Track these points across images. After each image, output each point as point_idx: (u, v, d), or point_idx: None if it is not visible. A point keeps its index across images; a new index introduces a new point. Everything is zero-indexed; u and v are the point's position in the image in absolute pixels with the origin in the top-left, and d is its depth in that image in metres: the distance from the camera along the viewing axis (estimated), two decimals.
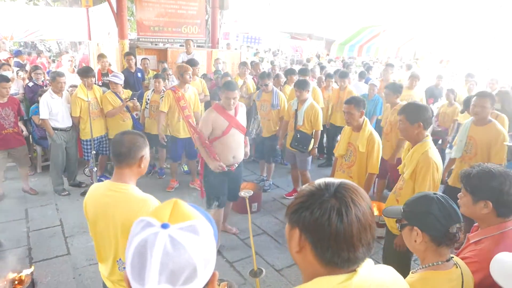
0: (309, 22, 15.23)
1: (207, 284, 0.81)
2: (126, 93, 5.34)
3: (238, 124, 3.56)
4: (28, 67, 7.55)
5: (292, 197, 5.25)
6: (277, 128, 5.37)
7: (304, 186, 0.99)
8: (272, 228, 4.42)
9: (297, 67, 8.81)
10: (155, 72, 6.61)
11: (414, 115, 2.68)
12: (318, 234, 0.90)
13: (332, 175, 3.83)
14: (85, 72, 4.97)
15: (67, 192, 5.11)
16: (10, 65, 6.70)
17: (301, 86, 4.72)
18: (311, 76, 6.86)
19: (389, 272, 1.04)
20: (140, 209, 1.72)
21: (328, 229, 0.88)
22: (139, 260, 0.76)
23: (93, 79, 5.19)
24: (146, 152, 1.88)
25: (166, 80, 5.81)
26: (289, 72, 6.45)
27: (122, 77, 5.26)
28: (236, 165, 3.67)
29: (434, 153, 2.67)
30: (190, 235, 0.77)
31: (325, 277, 0.92)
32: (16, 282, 3.22)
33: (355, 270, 0.93)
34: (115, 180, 1.84)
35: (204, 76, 6.78)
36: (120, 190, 1.81)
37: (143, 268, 0.75)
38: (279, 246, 4.07)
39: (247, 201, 2.18)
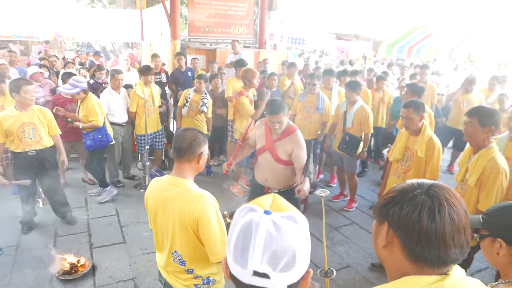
0: (356, 22, 14.87)
1: (301, 279, 0.83)
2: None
3: (273, 150, 3.11)
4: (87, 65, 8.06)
5: (339, 200, 5.21)
6: (318, 132, 5.25)
7: (395, 184, 0.99)
8: (319, 230, 4.38)
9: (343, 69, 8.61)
10: (203, 72, 6.78)
11: (488, 118, 2.55)
12: (407, 229, 0.89)
13: (385, 180, 3.71)
14: (146, 70, 5.24)
15: (122, 184, 5.40)
16: (74, 64, 7.21)
17: (352, 87, 4.62)
18: (361, 78, 6.70)
19: (479, 284, 1.00)
20: (196, 204, 1.77)
21: (417, 225, 0.87)
22: (243, 240, 0.80)
23: (152, 77, 5.42)
24: (205, 149, 1.94)
25: (219, 80, 5.95)
26: (341, 74, 6.34)
27: (80, 84, 4.41)
28: (271, 191, 3.19)
29: (502, 159, 2.54)
30: (290, 223, 0.81)
31: (415, 276, 0.90)
32: (79, 265, 3.47)
33: (446, 274, 0.90)
34: (175, 175, 1.91)
35: None
36: (179, 184, 1.86)
37: (246, 249, 0.79)
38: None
39: (322, 200, 2.17)
